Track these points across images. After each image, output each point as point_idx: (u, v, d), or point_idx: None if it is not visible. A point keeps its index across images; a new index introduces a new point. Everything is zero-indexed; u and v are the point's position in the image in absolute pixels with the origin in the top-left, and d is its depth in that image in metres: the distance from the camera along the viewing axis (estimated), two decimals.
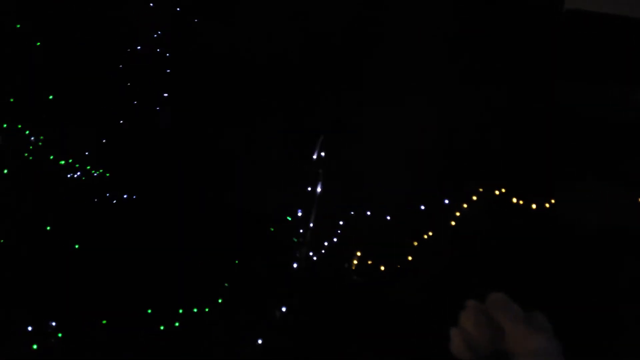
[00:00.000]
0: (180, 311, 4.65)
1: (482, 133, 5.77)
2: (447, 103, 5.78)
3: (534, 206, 5.61)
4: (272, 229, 5.09)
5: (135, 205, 5.23)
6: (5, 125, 5.16)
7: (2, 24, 5.49)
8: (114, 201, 5.01)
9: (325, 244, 5.27)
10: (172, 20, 5.88)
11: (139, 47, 5.63)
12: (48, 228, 4.84)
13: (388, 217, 5.32)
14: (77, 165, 5.05)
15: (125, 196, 5.09)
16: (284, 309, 4.71)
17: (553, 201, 5.64)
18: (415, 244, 5.36)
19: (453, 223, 5.30)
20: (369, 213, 5.31)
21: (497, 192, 5.70)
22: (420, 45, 5.88)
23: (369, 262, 5.36)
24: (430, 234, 5.32)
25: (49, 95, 5.34)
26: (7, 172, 5.02)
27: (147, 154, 5.35)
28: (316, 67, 5.84)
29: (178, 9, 5.89)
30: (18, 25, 5.39)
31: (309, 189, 4.95)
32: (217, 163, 5.44)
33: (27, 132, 5.10)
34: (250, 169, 5.34)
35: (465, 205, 5.53)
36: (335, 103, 5.72)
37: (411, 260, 5.36)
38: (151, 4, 5.82)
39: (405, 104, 5.53)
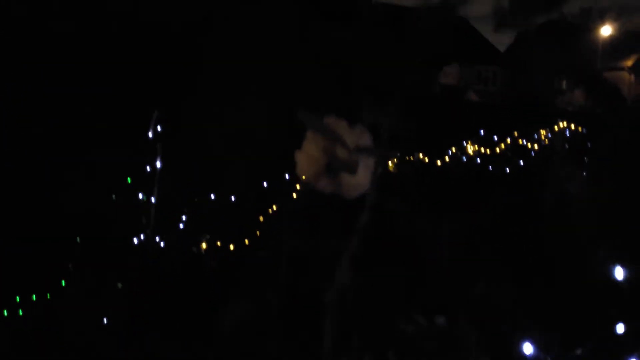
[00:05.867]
0: None
1: None
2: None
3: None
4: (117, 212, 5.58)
5: None
6: None
7: None
8: None
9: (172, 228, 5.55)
10: None
11: None
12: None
13: (232, 198, 5.73)
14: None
15: None
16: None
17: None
18: (261, 219, 5.69)
19: (295, 195, 5.72)
20: (212, 196, 5.71)
21: None
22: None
23: (218, 244, 5.64)
24: (275, 207, 5.70)
25: None
26: None
27: None
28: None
29: None
30: None
31: (148, 167, 4.90)
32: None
33: None
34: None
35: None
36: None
37: (259, 235, 5.63)
38: None
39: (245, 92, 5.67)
